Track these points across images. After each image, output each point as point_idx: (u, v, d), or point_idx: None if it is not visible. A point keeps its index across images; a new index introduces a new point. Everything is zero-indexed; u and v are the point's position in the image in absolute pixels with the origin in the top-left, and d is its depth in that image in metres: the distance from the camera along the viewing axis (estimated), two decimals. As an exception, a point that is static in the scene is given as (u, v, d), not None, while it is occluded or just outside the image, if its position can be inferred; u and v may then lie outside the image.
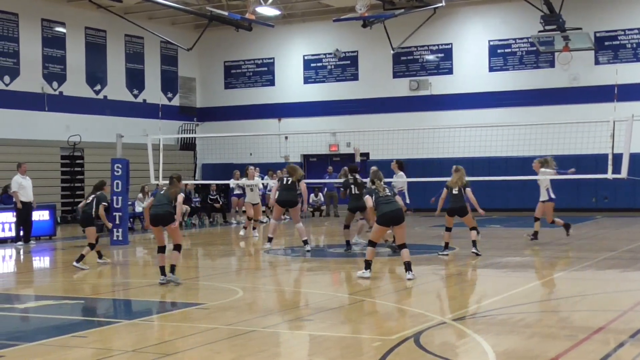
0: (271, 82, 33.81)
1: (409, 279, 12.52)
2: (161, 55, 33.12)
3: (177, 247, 12.69)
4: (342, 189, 17.88)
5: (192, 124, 34.23)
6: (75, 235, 23.12)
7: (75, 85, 29.25)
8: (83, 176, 28.89)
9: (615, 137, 16.36)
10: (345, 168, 17.75)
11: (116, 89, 31.00)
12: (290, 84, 33.40)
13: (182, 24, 33.21)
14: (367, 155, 30.64)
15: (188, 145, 33.86)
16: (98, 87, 30.28)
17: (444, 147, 25.23)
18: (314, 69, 33.00)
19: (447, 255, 15.63)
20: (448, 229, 15.84)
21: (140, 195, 24.23)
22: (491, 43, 30.25)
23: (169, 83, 33.63)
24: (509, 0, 29.62)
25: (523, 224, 22.92)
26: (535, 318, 9.52)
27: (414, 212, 28.80)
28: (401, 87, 31.49)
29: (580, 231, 21.73)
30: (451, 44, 30.86)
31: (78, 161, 28.88)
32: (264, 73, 33.95)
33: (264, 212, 25.37)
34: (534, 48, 28.38)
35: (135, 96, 31.89)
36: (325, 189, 29.78)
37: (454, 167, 16.11)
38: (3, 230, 20.79)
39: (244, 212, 25.02)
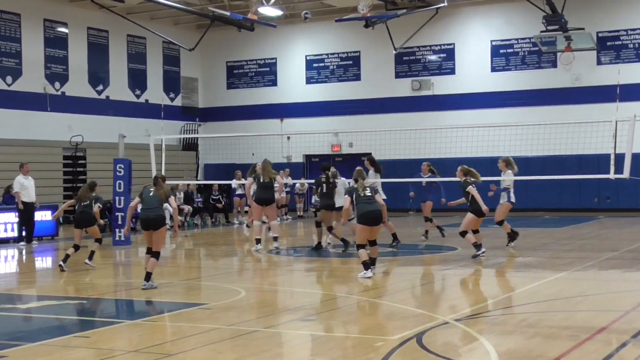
0: (273, 83, 33.81)
1: (371, 275, 12.92)
2: (163, 55, 33.13)
3: (157, 255, 12.31)
4: (314, 186, 18.23)
5: (195, 124, 34.24)
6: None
7: (78, 85, 29.27)
8: (85, 176, 28.83)
9: (617, 137, 16.36)
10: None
11: (118, 89, 31.01)
12: (293, 84, 33.40)
13: (184, 24, 33.23)
14: (369, 155, 30.62)
15: (190, 146, 33.86)
16: (100, 88, 30.30)
17: (446, 147, 25.22)
18: (316, 69, 33.00)
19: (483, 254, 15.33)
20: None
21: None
22: (493, 43, 30.24)
23: (171, 83, 33.64)
24: (511, 1, 29.61)
25: (525, 224, 22.90)
26: (537, 318, 9.52)
27: (416, 213, 28.84)
28: (403, 87, 31.48)
29: (582, 231, 21.73)
30: (453, 44, 30.86)
31: (80, 161, 28.90)
32: (266, 73, 33.95)
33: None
34: (536, 48, 28.36)
35: (138, 96, 31.90)
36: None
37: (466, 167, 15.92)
38: (5, 230, 20.81)
39: (246, 212, 25.06)
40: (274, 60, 33.70)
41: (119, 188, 19.60)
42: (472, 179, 15.60)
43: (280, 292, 12.58)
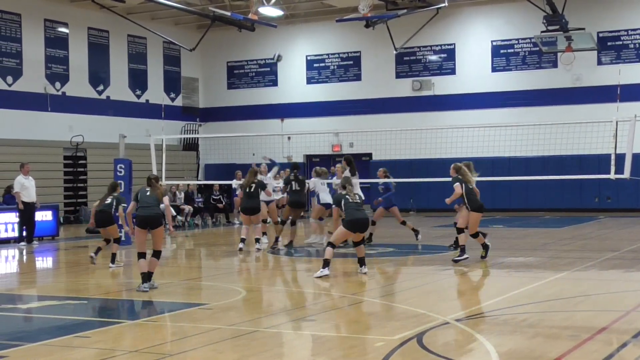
0: (274, 83, 33.82)
1: (364, 273, 13.19)
2: (164, 55, 33.14)
3: (158, 254, 12.22)
4: (283, 184, 18.60)
5: (195, 124, 34.25)
6: (78, 236, 23.16)
7: (78, 85, 29.28)
8: (86, 176, 28.93)
9: (618, 137, 16.34)
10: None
11: (119, 89, 31.02)
12: (293, 85, 33.41)
13: (184, 24, 33.23)
14: (370, 155, 30.66)
15: (191, 146, 33.88)
16: (101, 88, 30.31)
17: (447, 148, 25.20)
18: (316, 69, 33.01)
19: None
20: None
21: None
22: (494, 43, 30.25)
23: (172, 83, 33.65)
24: (512, 1, 29.61)
25: (526, 224, 22.92)
26: (538, 318, 9.52)
27: (417, 213, 28.85)
28: (404, 88, 31.49)
29: (583, 231, 21.72)
30: (454, 44, 30.86)
31: (81, 161, 28.92)
32: (267, 73, 33.96)
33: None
34: (537, 48, 28.37)
35: (138, 96, 31.91)
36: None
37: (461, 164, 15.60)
38: (6, 230, 20.82)
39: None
40: (274, 60, 33.70)
41: (120, 188, 19.56)
42: (461, 177, 15.16)
43: (281, 292, 12.58)
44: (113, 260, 14.95)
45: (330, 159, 32.01)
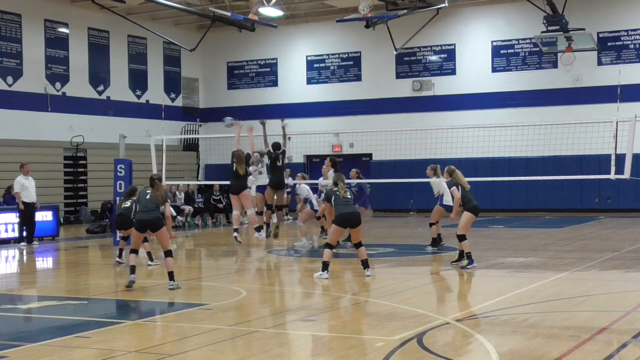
0: (274, 83, 33.82)
1: (368, 275, 13.05)
2: (164, 55, 33.14)
3: (169, 253, 12.20)
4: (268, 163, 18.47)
5: (195, 125, 34.25)
6: (78, 236, 23.17)
7: (78, 85, 29.28)
8: (86, 177, 28.93)
9: (618, 137, 16.34)
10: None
11: (119, 89, 31.02)
12: (293, 85, 33.41)
13: (185, 25, 33.23)
14: (370, 156, 30.67)
15: (191, 146, 33.88)
16: (101, 88, 30.31)
17: (447, 148, 25.21)
18: (317, 70, 33.01)
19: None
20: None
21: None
22: (494, 44, 30.24)
23: (172, 84, 33.65)
24: (512, 1, 29.62)
25: (526, 225, 22.92)
26: (538, 318, 9.52)
27: (417, 213, 28.84)
28: (404, 88, 31.48)
29: (583, 231, 21.72)
30: (454, 44, 30.86)
31: (81, 162, 28.92)
32: (267, 74, 33.96)
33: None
34: (537, 49, 28.36)
35: (138, 97, 31.91)
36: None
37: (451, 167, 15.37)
38: (6, 230, 20.83)
39: (247, 213, 24.97)
40: (274, 61, 33.71)
41: (120, 188, 19.58)
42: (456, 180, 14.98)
43: (281, 292, 12.59)
44: (151, 259, 15.26)
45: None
